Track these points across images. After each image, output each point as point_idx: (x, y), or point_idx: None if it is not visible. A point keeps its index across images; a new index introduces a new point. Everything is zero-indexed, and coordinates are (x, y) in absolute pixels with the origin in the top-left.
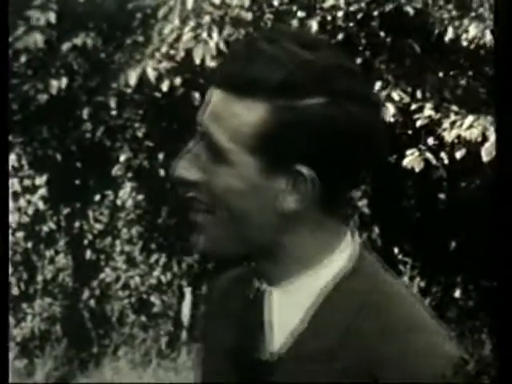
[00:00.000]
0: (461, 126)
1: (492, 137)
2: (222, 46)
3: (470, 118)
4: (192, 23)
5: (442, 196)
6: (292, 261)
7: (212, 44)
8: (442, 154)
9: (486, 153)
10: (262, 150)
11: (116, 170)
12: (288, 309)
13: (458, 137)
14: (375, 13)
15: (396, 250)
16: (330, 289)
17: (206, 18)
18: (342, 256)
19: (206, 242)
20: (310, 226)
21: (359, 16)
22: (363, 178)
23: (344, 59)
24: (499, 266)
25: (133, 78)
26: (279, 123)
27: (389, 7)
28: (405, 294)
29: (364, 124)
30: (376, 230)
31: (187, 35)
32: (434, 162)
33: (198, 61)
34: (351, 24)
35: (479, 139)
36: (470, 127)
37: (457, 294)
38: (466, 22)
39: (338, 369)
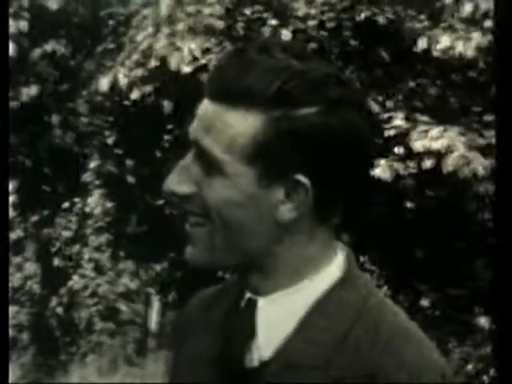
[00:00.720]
0: (428, 136)
1: (459, 148)
2: (196, 53)
3: (436, 129)
4: (166, 30)
5: (409, 205)
6: (284, 271)
7: (186, 51)
8: (411, 164)
9: (448, 165)
10: (258, 161)
11: (86, 177)
12: (280, 318)
13: (426, 147)
14: (347, 23)
15: (363, 259)
16: (323, 299)
17: (180, 26)
18: (333, 267)
19: (199, 254)
20: (304, 236)
21: (331, 25)
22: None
23: (334, 68)
24: (498, 263)
25: (104, 84)
26: (275, 133)
27: (361, 17)
28: (393, 306)
29: (358, 130)
30: (344, 238)
31: (161, 42)
32: (402, 172)
33: (173, 67)
34: (323, 33)
35: (443, 151)
36: (437, 138)
37: (424, 302)
38: (437, 32)
39: (335, 376)
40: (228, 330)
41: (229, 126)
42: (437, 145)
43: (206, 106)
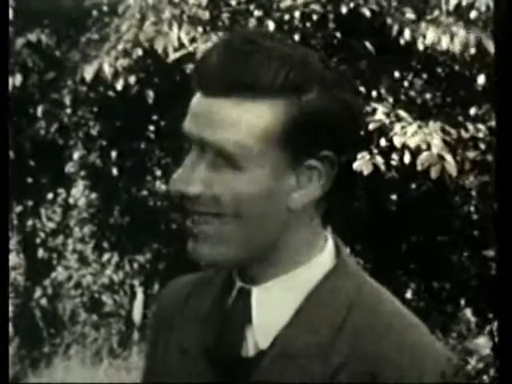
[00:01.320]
0: (405, 132)
1: (435, 146)
2: (183, 39)
3: (414, 126)
4: (152, 19)
5: (393, 197)
6: (282, 260)
7: (174, 36)
8: (393, 158)
9: (420, 163)
10: (273, 151)
11: (69, 168)
12: (276, 307)
13: (403, 143)
14: (332, 14)
15: (347, 251)
16: (318, 287)
17: (166, 14)
18: (325, 254)
19: (211, 250)
20: (304, 224)
21: (316, 17)
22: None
23: (318, 53)
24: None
25: (89, 73)
26: (286, 122)
27: (345, 9)
28: (386, 292)
29: (352, 108)
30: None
31: (147, 30)
32: (382, 167)
33: (160, 50)
34: (308, 24)
35: (423, 147)
36: (413, 135)
37: (408, 295)
38: (422, 25)
39: (335, 363)
40: (219, 320)
41: (240, 121)
42: (412, 141)
43: (204, 102)
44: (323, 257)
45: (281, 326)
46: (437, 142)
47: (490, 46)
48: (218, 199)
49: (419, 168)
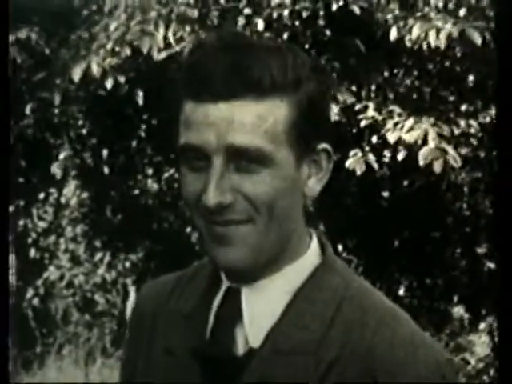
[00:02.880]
0: (402, 128)
1: (432, 141)
2: (170, 38)
3: (410, 121)
4: (139, 18)
5: (385, 194)
6: (273, 259)
7: (159, 37)
8: (385, 155)
9: (423, 157)
10: (295, 142)
11: (55, 167)
12: (266, 305)
13: (399, 139)
14: (321, 12)
15: (340, 248)
16: (306, 284)
17: (153, 14)
18: (311, 251)
19: (241, 253)
20: (299, 219)
21: (305, 14)
22: None
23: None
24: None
25: (77, 73)
26: (299, 111)
27: (335, 6)
28: (373, 288)
29: (330, 89)
30: (321, 227)
31: (133, 29)
32: (375, 165)
33: (145, 51)
34: (297, 22)
35: (419, 142)
36: (410, 130)
37: (401, 292)
38: (410, 21)
39: (327, 360)
40: (206, 320)
41: (262, 118)
42: (409, 137)
43: (214, 109)
44: (310, 253)
45: (271, 324)
46: (434, 136)
47: (476, 38)
48: (253, 202)
49: (421, 163)
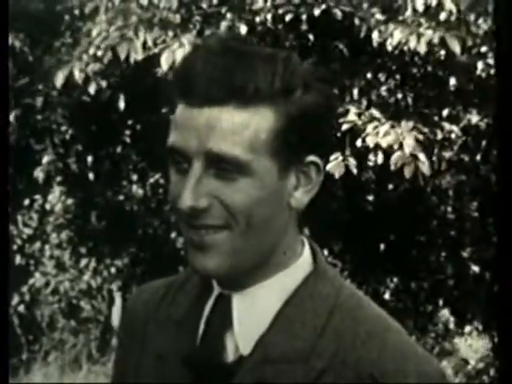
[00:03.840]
0: (377, 132)
1: (407, 146)
2: (149, 42)
3: (386, 126)
4: (119, 23)
5: (370, 198)
6: (265, 265)
7: (138, 43)
8: (368, 159)
9: (394, 162)
10: (278, 152)
11: (38, 172)
12: (256, 313)
13: (375, 143)
14: (304, 16)
15: (326, 252)
16: (297, 291)
17: (133, 19)
18: (303, 259)
19: (219, 260)
20: (290, 229)
21: (288, 19)
22: None
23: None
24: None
25: (60, 79)
26: (286, 122)
27: (318, 10)
28: (364, 296)
29: (333, 101)
30: (306, 231)
31: (113, 34)
32: (354, 170)
33: (122, 57)
34: (280, 27)
35: (396, 147)
36: (385, 134)
37: (386, 296)
38: (391, 26)
39: (317, 368)
40: (197, 326)
41: (244, 126)
42: (384, 142)
43: (197, 114)
44: (301, 261)
45: (261, 332)
46: (409, 142)
47: (455, 46)
48: (230, 209)
49: (392, 168)
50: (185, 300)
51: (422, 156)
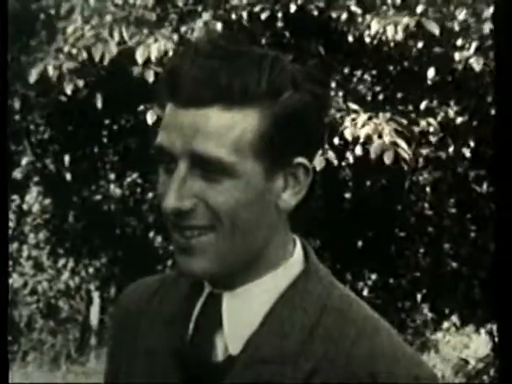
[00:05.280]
0: (356, 124)
1: (386, 135)
2: (126, 39)
3: (364, 116)
4: (94, 22)
5: (347, 195)
6: (260, 265)
7: (113, 43)
8: (346, 153)
9: (374, 151)
10: (264, 154)
11: (17, 173)
12: (246, 312)
13: (354, 135)
14: (280, 13)
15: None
16: (288, 291)
17: (108, 18)
18: (294, 258)
19: (206, 262)
20: (281, 228)
21: (264, 16)
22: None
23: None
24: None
25: (33, 75)
26: (272, 123)
27: (294, 7)
28: (355, 297)
29: (323, 101)
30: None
31: (88, 33)
32: (335, 162)
33: (97, 58)
34: (256, 24)
35: (375, 137)
36: (363, 125)
37: (365, 292)
38: (368, 18)
39: (307, 368)
40: (187, 324)
41: (229, 127)
42: (363, 132)
43: (184, 114)
44: (293, 260)
45: (251, 331)
46: (388, 132)
47: (433, 27)
48: (214, 210)
49: (373, 156)
50: (176, 298)
51: (401, 142)
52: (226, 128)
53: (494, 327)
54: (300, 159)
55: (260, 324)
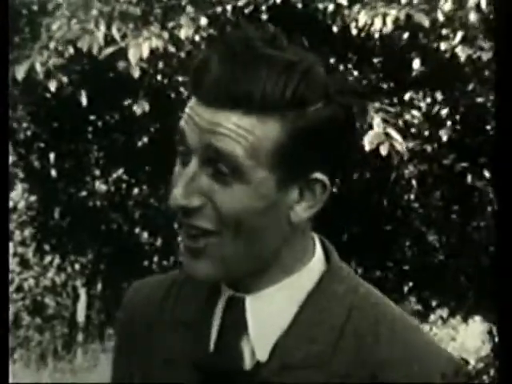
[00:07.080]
0: None
1: (377, 126)
2: (115, 35)
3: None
4: (80, 17)
5: (334, 190)
6: (278, 268)
7: (100, 34)
8: None
9: (368, 142)
10: (279, 164)
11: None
12: (272, 316)
13: None
14: (264, 6)
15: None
16: (314, 293)
17: (94, 12)
18: (317, 259)
19: (210, 266)
20: (300, 233)
21: (248, 10)
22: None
23: (315, 56)
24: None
25: (20, 73)
26: (292, 134)
27: (278, 0)
28: (380, 294)
29: (358, 117)
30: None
31: (74, 27)
32: None
33: (85, 49)
34: (240, 18)
35: (365, 127)
36: None
37: None
38: (355, 9)
39: (337, 372)
40: (208, 330)
41: (248, 132)
42: None
43: (206, 112)
44: (315, 261)
45: (278, 336)
46: (378, 121)
47: (422, 19)
48: (221, 213)
49: (367, 148)
50: (192, 301)
51: (394, 134)
52: (246, 131)
53: (494, 328)
54: (317, 175)
55: (287, 328)
